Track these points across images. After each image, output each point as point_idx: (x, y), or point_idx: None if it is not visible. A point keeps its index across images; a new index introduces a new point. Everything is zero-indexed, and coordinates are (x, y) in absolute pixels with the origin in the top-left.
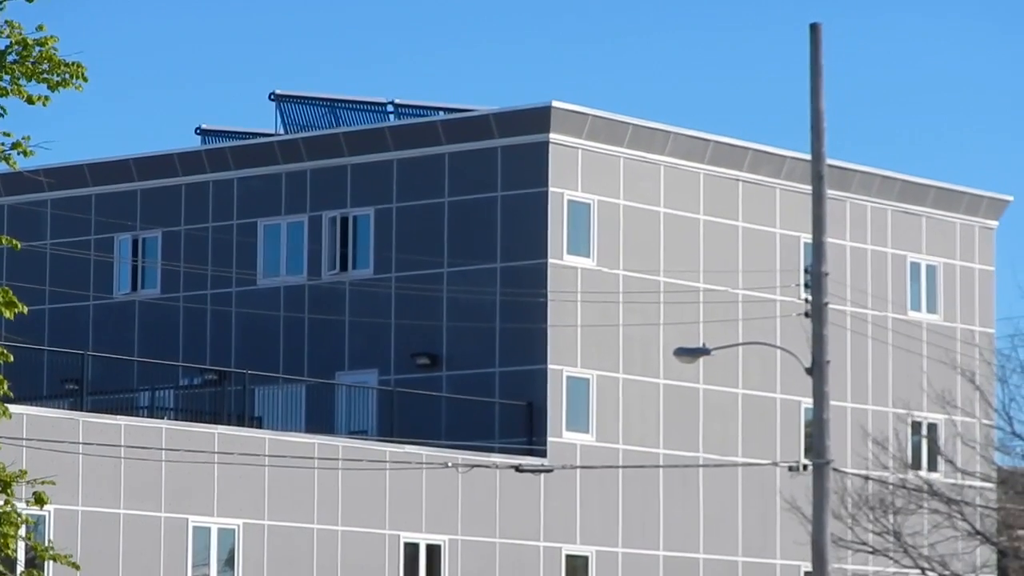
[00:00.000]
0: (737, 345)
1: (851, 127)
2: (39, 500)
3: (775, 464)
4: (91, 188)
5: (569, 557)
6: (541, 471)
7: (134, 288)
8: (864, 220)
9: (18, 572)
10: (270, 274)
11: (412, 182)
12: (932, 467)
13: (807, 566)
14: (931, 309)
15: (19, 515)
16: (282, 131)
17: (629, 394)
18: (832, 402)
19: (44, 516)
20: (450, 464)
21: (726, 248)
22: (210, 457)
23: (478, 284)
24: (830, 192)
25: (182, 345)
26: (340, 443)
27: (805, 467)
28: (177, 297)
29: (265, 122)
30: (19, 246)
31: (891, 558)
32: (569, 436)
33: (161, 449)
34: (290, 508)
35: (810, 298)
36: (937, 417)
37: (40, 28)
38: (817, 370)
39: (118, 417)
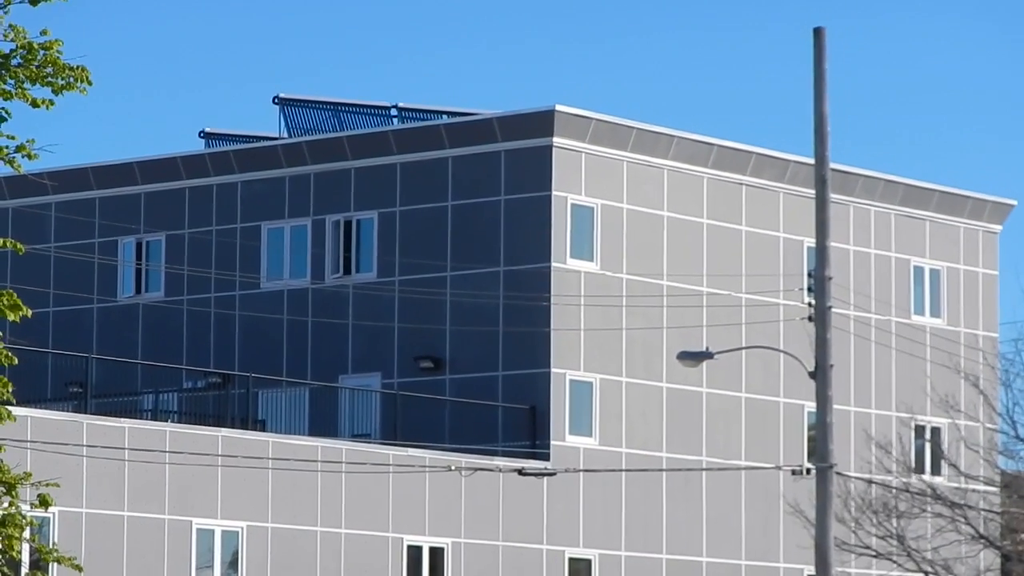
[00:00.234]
0: (740, 349)
1: (855, 131)
2: (43, 502)
3: (778, 468)
4: (95, 191)
5: (572, 560)
6: (544, 474)
7: (138, 291)
8: (868, 224)
9: (22, 574)
10: (273, 277)
11: (415, 186)
12: (935, 471)
13: (810, 570)
14: (935, 313)
15: (23, 517)
16: (286, 135)
17: (632, 398)
18: (835, 406)
19: (48, 518)
20: (453, 467)
21: (729, 252)
22: (214, 460)
23: (481, 288)
24: (833, 196)
25: (186, 348)
26: (343, 446)
27: (808, 471)
28: (181, 300)
29: (269, 126)
30: (23, 249)
31: (894, 562)
32: (572, 439)
33: (165, 452)
34: (293, 511)
35: (813, 302)
36: (941, 421)
37: (44, 32)
38: (820, 374)
39: (122, 420)
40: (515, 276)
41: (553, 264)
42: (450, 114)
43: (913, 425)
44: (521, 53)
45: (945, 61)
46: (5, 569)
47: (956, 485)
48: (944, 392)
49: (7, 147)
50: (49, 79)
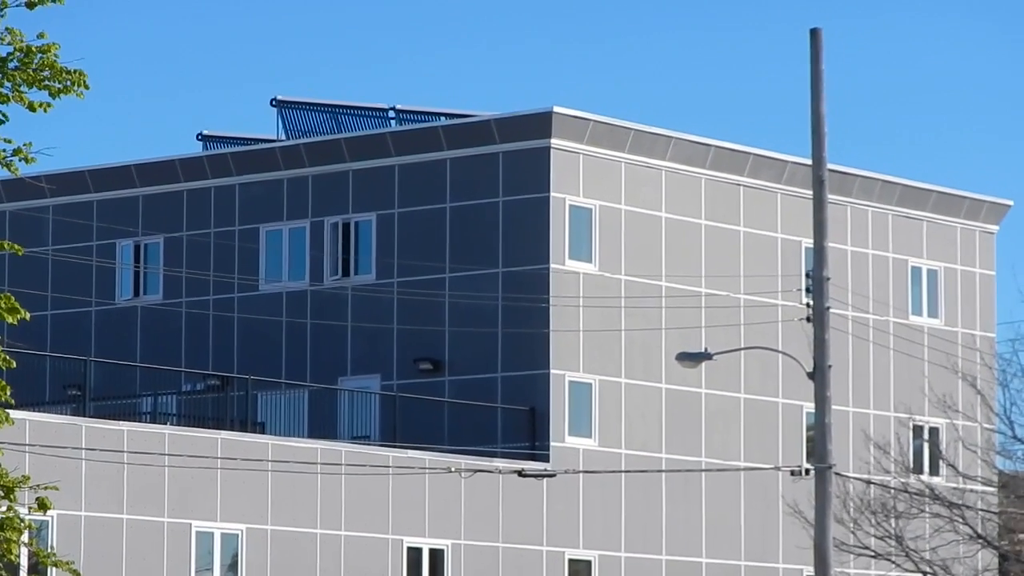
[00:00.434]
0: (739, 350)
1: (852, 131)
2: (42, 506)
3: (777, 468)
4: (93, 194)
5: (572, 561)
6: (544, 475)
7: (136, 294)
8: (865, 224)
9: None
10: (272, 280)
11: (414, 187)
12: (934, 471)
13: (809, 570)
14: (932, 313)
15: (22, 521)
16: (283, 137)
17: (631, 399)
18: (834, 406)
19: (47, 522)
20: (453, 469)
21: (728, 253)
22: (213, 462)
23: (480, 289)
24: (831, 197)
25: (184, 351)
26: (343, 448)
27: (807, 471)
28: (179, 303)
29: (267, 128)
30: (21, 252)
31: (893, 562)
32: (572, 441)
33: (164, 455)
34: (293, 513)
35: (811, 302)
36: (938, 421)
37: (41, 35)
38: (819, 374)
39: (121, 423)
40: (514, 277)
41: (552, 265)
42: (448, 116)
43: (911, 425)
44: (519, 54)
45: (942, 61)
46: (3, 573)
47: (954, 485)
48: (942, 392)
49: (4, 150)
50: (46, 82)
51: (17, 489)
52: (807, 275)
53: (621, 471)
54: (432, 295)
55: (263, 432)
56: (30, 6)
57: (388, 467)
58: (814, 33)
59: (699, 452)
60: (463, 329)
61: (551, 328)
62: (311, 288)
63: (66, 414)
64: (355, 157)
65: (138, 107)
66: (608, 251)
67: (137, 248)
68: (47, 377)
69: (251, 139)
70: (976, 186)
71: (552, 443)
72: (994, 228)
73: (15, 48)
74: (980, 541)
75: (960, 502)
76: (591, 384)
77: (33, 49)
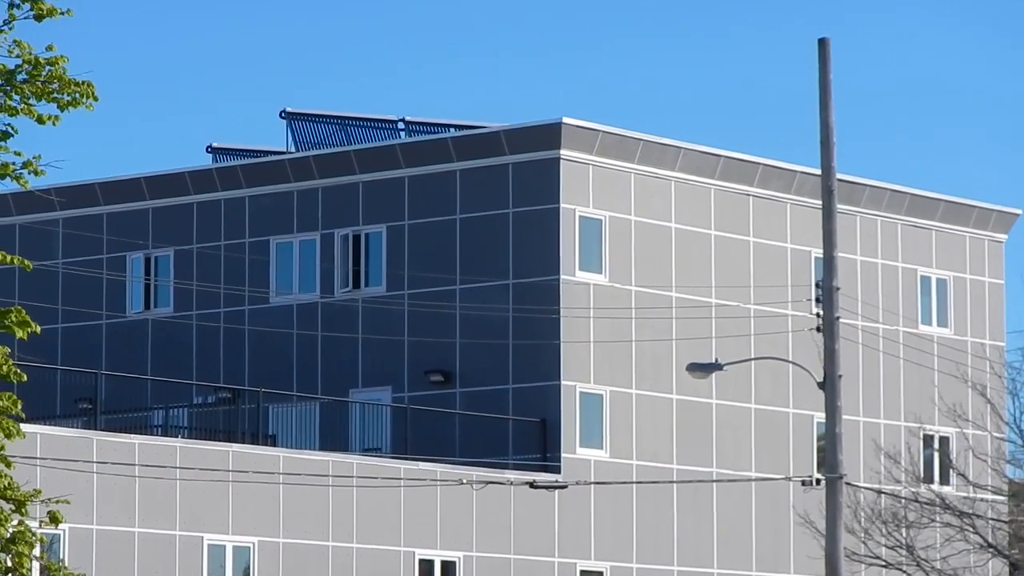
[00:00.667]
0: (749, 360)
1: (861, 141)
2: (53, 519)
3: (788, 479)
4: (103, 207)
5: (584, 573)
6: (555, 487)
7: (147, 307)
8: (874, 234)
9: None
10: (283, 292)
11: (424, 199)
12: (944, 481)
13: None
14: (942, 323)
15: (33, 534)
16: (293, 149)
17: (642, 410)
18: (844, 416)
19: (58, 535)
20: (464, 481)
21: (737, 263)
22: (224, 475)
23: (490, 301)
24: (840, 207)
25: (195, 363)
26: (354, 460)
27: (818, 481)
28: (190, 315)
29: (276, 140)
30: (31, 266)
31: (904, 572)
32: (583, 452)
33: (175, 467)
34: (305, 525)
35: (821, 312)
36: (949, 431)
37: (50, 48)
38: (829, 384)
39: (132, 436)
40: (524, 289)
41: (562, 276)
42: (457, 127)
43: (922, 435)
44: (528, 66)
45: (950, 71)
46: None
47: (965, 495)
48: (952, 401)
49: (14, 163)
50: (55, 95)
51: (28, 503)
52: (817, 285)
53: (632, 482)
54: (442, 307)
55: (274, 445)
56: (39, 19)
57: (399, 479)
58: (822, 43)
59: (710, 463)
60: (474, 341)
61: (562, 339)
62: (322, 300)
63: (77, 427)
64: (365, 169)
65: (148, 119)
66: (618, 262)
67: (147, 261)
68: (58, 391)
69: (261, 151)
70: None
71: (563, 454)
72: (1003, 237)
73: (23, 61)
74: (991, 550)
75: (971, 511)
76: (602, 395)
77: (42, 61)
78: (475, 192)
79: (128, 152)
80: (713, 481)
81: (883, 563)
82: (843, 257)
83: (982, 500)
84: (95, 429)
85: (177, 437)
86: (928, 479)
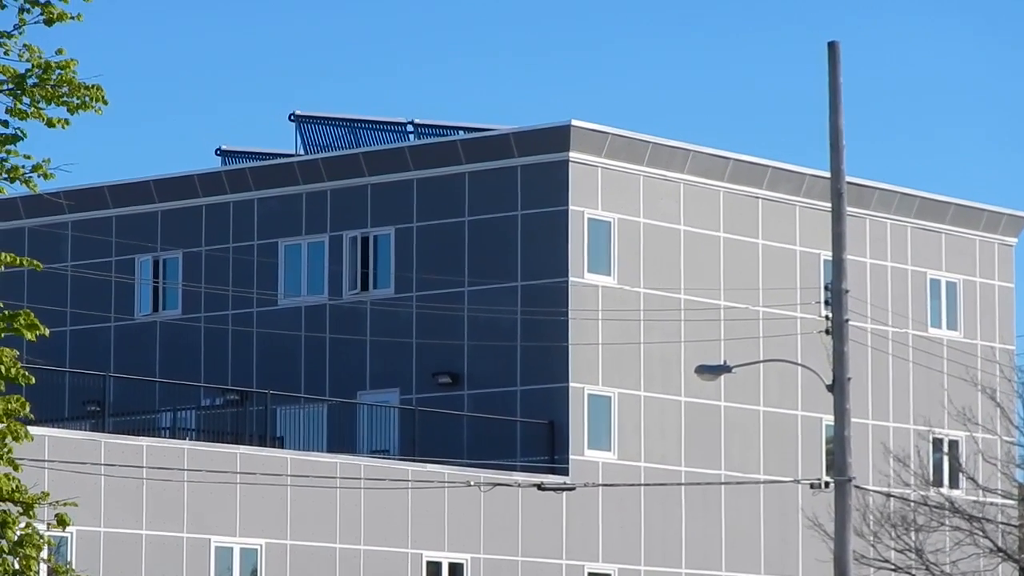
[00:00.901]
0: (758, 362)
1: (870, 144)
2: (61, 522)
3: (797, 481)
4: (111, 210)
5: (591, 575)
6: (563, 489)
7: (155, 309)
8: (884, 237)
9: None
10: (291, 294)
11: (432, 201)
12: (953, 484)
13: None
14: (951, 326)
15: (41, 537)
16: (302, 151)
17: (650, 412)
18: (853, 419)
19: (66, 538)
20: (472, 482)
21: (746, 266)
22: (232, 477)
23: (499, 303)
24: (849, 209)
25: (203, 366)
26: (362, 462)
27: (827, 484)
28: (198, 318)
29: (285, 143)
30: (40, 268)
31: (913, 575)
32: (591, 454)
33: (183, 470)
34: (312, 527)
35: (830, 315)
36: (958, 434)
37: (59, 51)
38: (838, 387)
39: (140, 438)
40: (532, 291)
41: (570, 279)
42: (466, 130)
43: (931, 438)
44: (537, 68)
45: (960, 74)
46: None
47: (974, 498)
48: (961, 405)
49: (23, 167)
50: (64, 98)
51: (36, 505)
52: (826, 287)
53: (640, 484)
54: (451, 309)
55: (282, 447)
56: (48, 23)
57: (407, 481)
58: (832, 46)
59: (718, 465)
60: (482, 343)
61: (570, 341)
62: (330, 302)
63: (85, 430)
64: (373, 171)
65: (157, 123)
66: (627, 264)
67: (156, 263)
68: (66, 393)
69: (270, 154)
70: (994, 198)
71: (571, 456)
72: (1013, 240)
73: (33, 64)
74: (1000, 554)
75: (980, 515)
76: (610, 397)
77: (51, 65)
78: (484, 194)
79: (137, 155)
80: (721, 483)
81: (892, 567)
82: (852, 260)
83: (992, 504)
84: (103, 431)
85: (185, 439)
86: (937, 482)
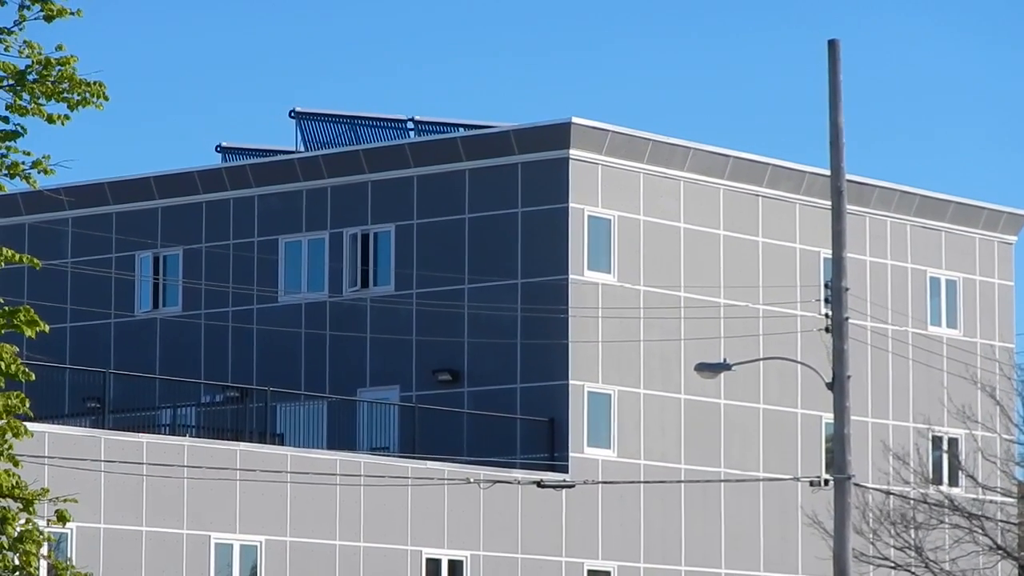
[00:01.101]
0: (758, 360)
1: (870, 142)
2: (61, 518)
3: (796, 479)
4: (111, 206)
5: (591, 572)
6: (563, 487)
7: (155, 306)
8: (883, 235)
9: None
10: (291, 291)
11: (432, 199)
12: (953, 482)
13: None
14: (951, 324)
15: (41, 533)
16: (302, 148)
17: (650, 409)
18: (853, 417)
19: (66, 534)
20: (472, 480)
21: (746, 263)
22: (232, 474)
23: (499, 300)
24: (849, 207)
25: (203, 363)
26: (362, 459)
27: (826, 482)
28: (198, 315)
29: (285, 139)
30: (40, 265)
31: (913, 573)
32: (590, 451)
33: (183, 466)
34: (312, 524)
35: (830, 313)
36: (958, 432)
37: (59, 48)
38: (838, 385)
39: (140, 435)
40: (532, 288)
41: (570, 276)
42: (466, 127)
43: (930, 436)
44: (537, 66)
45: (960, 72)
46: None
47: (974, 496)
48: (961, 403)
49: (23, 163)
50: (65, 95)
51: (36, 502)
52: (826, 285)
53: (640, 482)
54: (451, 306)
55: (282, 444)
56: (48, 19)
57: (407, 478)
58: (832, 44)
59: (718, 463)
60: (482, 340)
61: (570, 339)
62: (330, 299)
63: (85, 426)
64: (374, 168)
65: (157, 119)
66: (627, 262)
67: (156, 260)
68: (66, 389)
69: (270, 151)
70: (994, 197)
71: (571, 454)
72: (1012, 239)
73: (33, 61)
74: (1000, 552)
75: (979, 513)
76: (610, 395)
77: (52, 61)
78: (484, 192)
79: (137, 151)
80: (721, 481)
81: (892, 564)
82: (852, 258)
83: (991, 502)
84: (103, 428)
85: (185, 436)
86: (937, 480)
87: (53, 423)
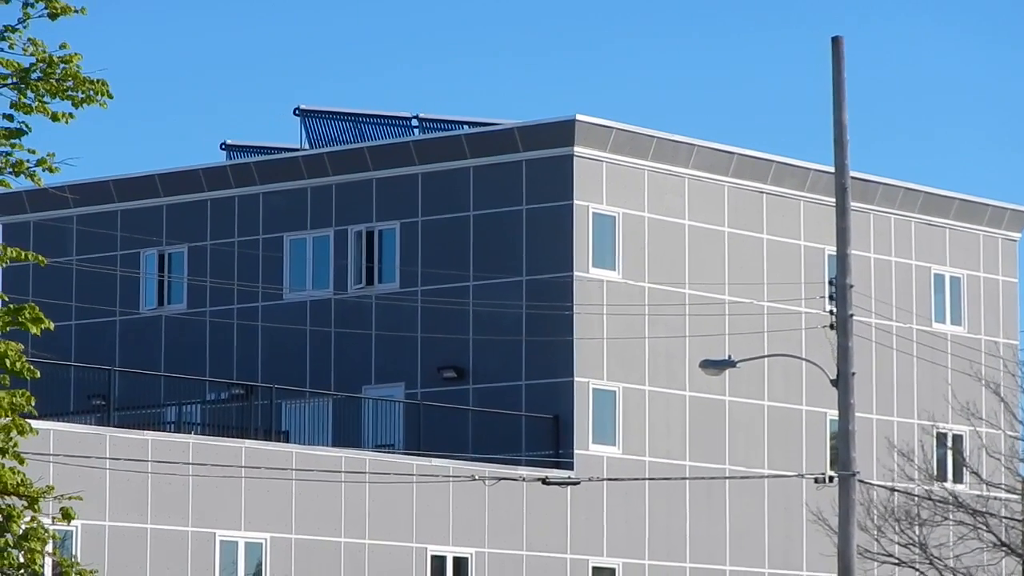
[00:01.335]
0: (762, 357)
1: (874, 139)
2: (66, 516)
3: (801, 476)
4: (117, 204)
5: (596, 569)
6: (568, 483)
7: (160, 303)
8: (888, 232)
9: None
10: (296, 288)
11: (437, 196)
12: (957, 479)
13: None
14: (955, 321)
15: (46, 531)
16: (307, 146)
17: (655, 406)
18: (857, 414)
19: (71, 531)
20: (477, 477)
21: (751, 260)
22: (237, 471)
23: (504, 297)
24: (854, 204)
25: (208, 360)
26: (367, 457)
27: (831, 479)
28: (203, 312)
29: (290, 137)
30: (45, 262)
31: (917, 570)
32: (595, 448)
33: (188, 464)
34: (317, 522)
35: (835, 310)
36: (962, 429)
37: (63, 46)
38: (842, 382)
39: (145, 432)
40: (537, 285)
41: (575, 273)
42: (471, 124)
43: (935, 433)
44: (541, 63)
45: (964, 69)
46: None
47: (978, 493)
48: (965, 400)
49: (28, 161)
50: (69, 93)
51: (41, 499)
52: (830, 282)
53: (645, 479)
54: (456, 303)
55: (287, 441)
56: (53, 17)
57: (412, 475)
58: (835, 41)
59: (723, 460)
60: (487, 337)
61: (574, 336)
62: (335, 297)
63: (90, 424)
64: (378, 166)
65: (162, 117)
66: (631, 259)
67: (161, 257)
68: (71, 387)
69: (275, 148)
70: (998, 193)
71: (576, 451)
72: (1016, 235)
73: (38, 59)
74: (1004, 549)
75: (984, 509)
76: (615, 392)
77: (55, 60)
78: (488, 189)
79: (142, 149)
80: (726, 478)
81: (896, 561)
82: (857, 255)
83: (995, 498)
84: (108, 425)
85: (190, 433)
86: (941, 477)
87: (58, 421)
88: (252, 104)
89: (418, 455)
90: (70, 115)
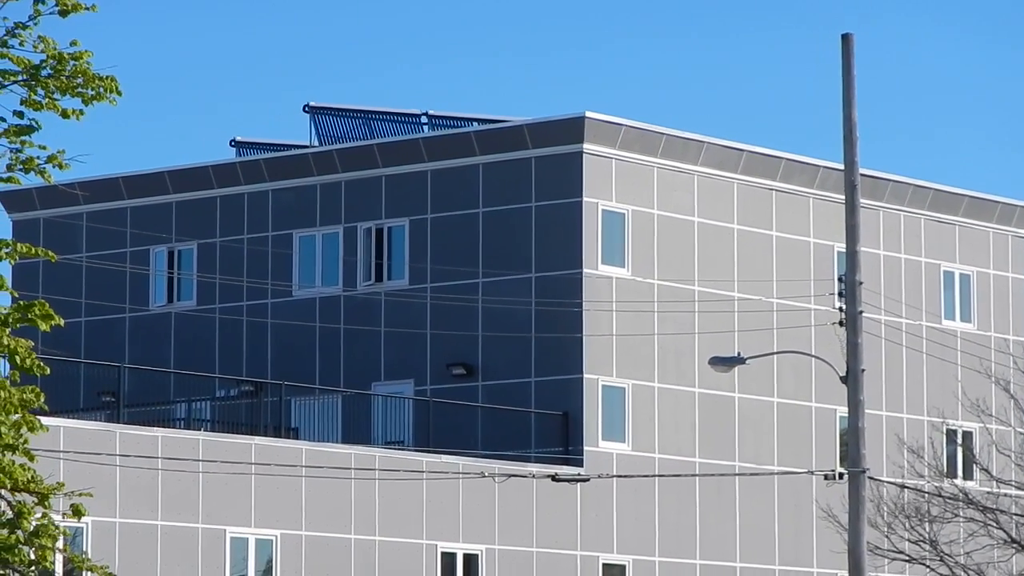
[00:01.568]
0: (772, 354)
1: (884, 136)
2: (76, 512)
3: (811, 473)
4: (126, 201)
5: (606, 566)
6: (577, 480)
7: (170, 300)
8: (897, 229)
9: None
10: (305, 285)
11: (446, 193)
12: (967, 475)
13: (844, 574)
14: (965, 318)
15: (56, 527)
16: (316, 143)
17: (664, 403)
18: (867, 411)
19: (81, 528)
20: (487, 474)
21: (760, 257)
22: (247, 468)
23: (513, 294)
24: (863, 201)
25: (218, 357)
26: (377, 453)
27: (841, 476)
28: (213, 309)
29: (299, 134)
30: (55, 259)
31: (927, 566)
32: (605, 445)
33: (198, 460)
34: (327, 518)
35: (844, 307)
36: (972, 425)
37: (74, 43)
38: (852, 379)
39: (155, 429)
40: (547, 282)
41: (585, 270)
42: (480, 121)
43: (945, 429)
44: (551, 60)
45: (974, 66)
46: None
47: (988, 489)
48: (975, 396)
49: (38, 158)
50: (79, 90)
51: (51, 496)
52: (840, 279)
53: (655, 475)
54: (465, 300)
55: (297, 438)
56: (63, 14)
57: (422, 472)
58: (845, 38)
59: (732, 456)
60: (496, 334)
61: (584, 332)
62: (344, 293)
63: (100, 421)
64: (388, 163)
65: (171, 114)
66: (641, 255)
67: (171, 254)
68: (81, 384)
69: (284, 145)
70: (1007, 191)
71: (586, 447)
72: None
73: (48, 56)
74: (1014, 545)
75: (994, 506)
76: (624, 388)
77: (66, 56)
78: (498, 186)
79: (152, 146)
80: (735, 475)
81: (906, 558)
82: (866, 252)
83: (1005, 495)
84: (118, 422)
85: (200, 430)
86: (951, 474)
87: (68, 417)
88: (262, 101)
89: (428, 452)
90: (80, 112)
